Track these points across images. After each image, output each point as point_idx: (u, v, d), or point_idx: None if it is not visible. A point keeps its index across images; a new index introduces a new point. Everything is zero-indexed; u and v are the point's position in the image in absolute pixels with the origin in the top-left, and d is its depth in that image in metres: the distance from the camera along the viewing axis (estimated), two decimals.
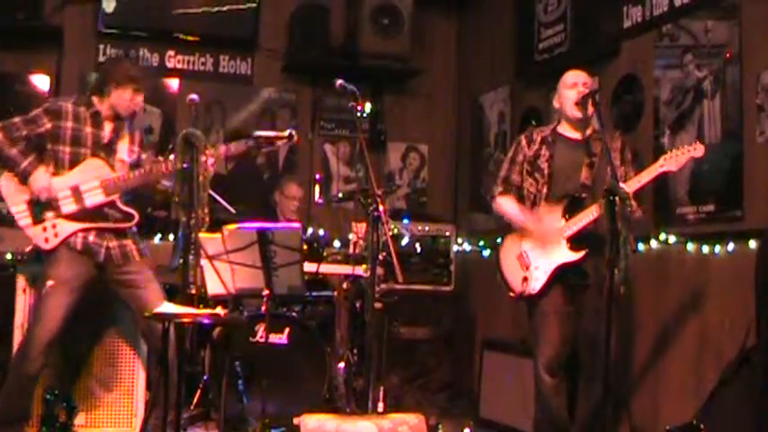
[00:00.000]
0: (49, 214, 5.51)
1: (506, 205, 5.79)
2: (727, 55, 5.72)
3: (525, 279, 5.58)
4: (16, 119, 5.55)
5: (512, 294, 5.69)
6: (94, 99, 5.67)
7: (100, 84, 5.70)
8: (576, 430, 5.61)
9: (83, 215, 5.55)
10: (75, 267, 5.53)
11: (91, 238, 5.57)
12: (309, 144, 8.94)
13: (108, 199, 5.58)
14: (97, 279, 5.64)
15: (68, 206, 5.52)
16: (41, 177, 5.48)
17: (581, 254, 5.45)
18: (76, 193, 5.53)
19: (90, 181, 5.55)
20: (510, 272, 5.69)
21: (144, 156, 5.83)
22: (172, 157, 5.24)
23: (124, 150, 5.71)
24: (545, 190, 5.64)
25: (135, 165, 5.73)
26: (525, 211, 5.69)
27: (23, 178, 5.49)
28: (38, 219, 5.51)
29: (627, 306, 6.20)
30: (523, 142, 5.81)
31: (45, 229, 5.50)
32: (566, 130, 5.71)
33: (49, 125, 5.56)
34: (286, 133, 5.66)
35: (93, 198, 5.56)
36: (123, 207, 5.64)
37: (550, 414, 5.60)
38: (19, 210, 5.52)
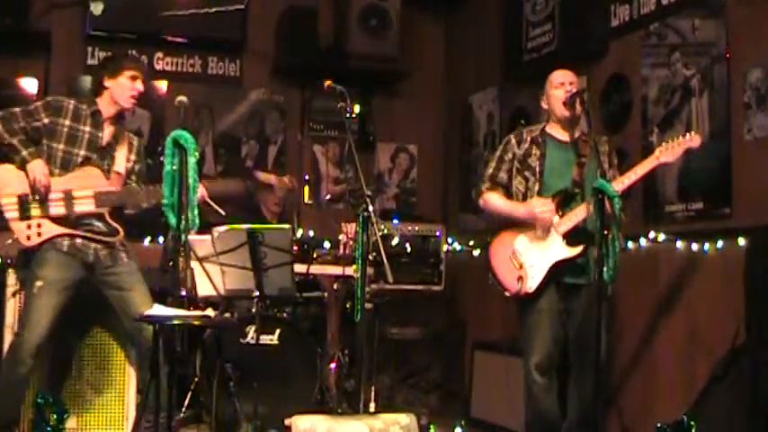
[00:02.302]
0: (36, 212, 5.51)
1: (494, 199, 5.77)
2: (727, 54, 5.73)
3: (520, 278, 5.53)
4: (16, 109, 5.59)
5: (507, 294, 5.62)
6: (96, 99, 5.70)
7: (96, 83, 5.74)
8: (567, 429, 5.61)
9: (68, 221, 5.56)
10: (63, 269, 5.53)
11: (78, 240, 5.57)
12: (299, 145, 8.94)
13: (97, 210, 5.59)
14: (86, 280, 5.63)
15: (57, 208, 5.52)
16: (40, 164, 5.49)
17: (578, 249, 5.43)
18: (68, 197, 5.54)
19: (83, 189, 5.55)
20: (503, 272, 5.63)
21: (138, 167, 5.84)
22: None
23: (122, 159, 5.73)
24: (537, 188, 5.62)
25: (129, 176, 5.75)
26: (514, 202, 5.69)
27: (22, 164, 5.49)
28: (24, 215, 5.50)
29: (616, 304, 6.21)
30: (513, 141, 5.80)
31: (29, 227, 5.50)
32: (554, 130, 5.72)
33: (46, 120, 5.58)
34: (286, 179, 5.70)
35: (83, 206, 5.56)
36: (110, 221, 5.64)
37: (541, 413, 5.58)
38: (8, 201, 5.51)
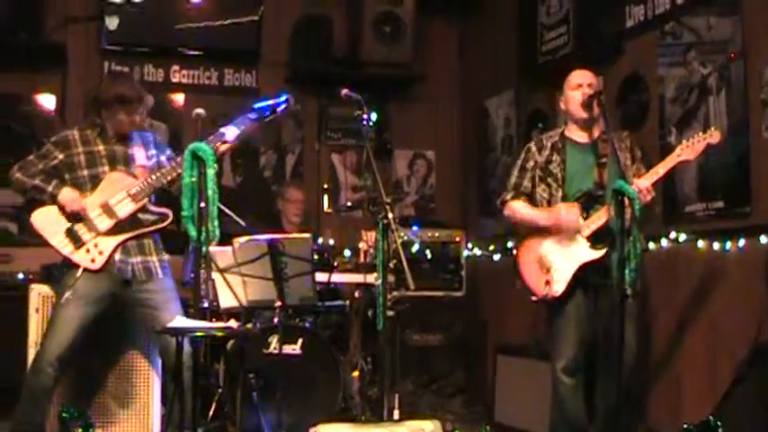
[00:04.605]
0: (88, 236, 5.54)
1: (519, 208, 5.79)
2: (731, 56, 5.73)
3: (548, 282, 5.56)
4: (30, 157, 5.67)
5: (534, 299, 5.66)
6: (96, 120, 5.72)
7: (93, 107, 5.76)
8: (593, 430, 5.61)
9: (120, 227, 5.59)
10: (94, 281, 5.54)
11: (117, 256, 5.59)
12: (316, 154, 8.96)
13: (138, 205, 5.61)
14: (119, 295, 5.64)
15: (103, 223, 5.56)
16: (68, 191, 5.53)
17: (602, 251, 5.43)
18: (107, 208, 5.57)
19: (116, 194, 5.58)
20: (530, 276, 5.66)
21: (163, 157, 5.85)
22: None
23: (141, 156, 5.75)
24: (560, 193, 5.65)
25: (156, 167, 5.75)
26: (542, 211, 5.70)
27: (52, 200, 5.53)
28: (78, 243, 5.54)
29: (639, 305, 6.20)
30: (534, 149, 5.82)
31: (88, 251, 5.53)
32: (573, 133, 5.72)
33: (61, 156, 5.64)
34: (282, 99, 5.69)
35: (125, 209, 5.59)
36: (155, 209, 5.67)
37: (567, 415, 5.60)
38: (59, 240, 5.54)
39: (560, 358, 5.59)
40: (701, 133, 5.32)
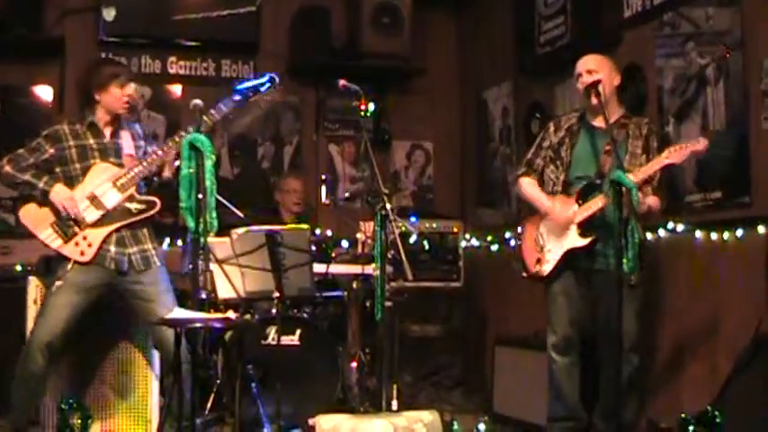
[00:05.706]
0: (76, 228, 5.54)
1: (527, 186, 5.90)
2: (726, 54, 5.73)
3: (539, 260, 5.72)
4: (20, 150, 5.66)
5: (524, 275, 5.84)
6: (86, 111, 5.71)
7: (84, 96, 5.75)
8: (597, 418, 5.67)
9: (108, 218, 5.59)
10: (85, 272, 5.54)
11: (112, 248, 5.59)
12: (314, 145, 8.95)
13: (125, 195, 5.61)
14: (114, 284, 5.64)
15: (91, 215, 5.56)
16: (62, 190, 5.54)
17: (588, 240, 5.52)
18: (94, 200, 5.57)
19: (103, 184, 5.58)
20: (527, 252, 5.82)
21: (150, 148, 5.85)
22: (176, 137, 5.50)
23: (129, 147, 5.75)
24: (563, 177, 5.73)
25: (143, 156, 5.75)
26: (544, 196, 5.78)
27: (43, 197, 5.53)
28: (67, 236, 5.53)
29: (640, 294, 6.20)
30: (551, 129, 5.90)
31: (77, 244, 5.53)
32: (590, 117, 5.77)
33: (52, 150, 5.64)
34: (266, 78, 5.71)
35: (112, 199, 5.59)
36: (143, 197, 5.67)
37: (561, 394, 5.72)
38: (47, 234, 5.54)
39: (550, 336, 5.77)
40: (690, 140, 5.36)
